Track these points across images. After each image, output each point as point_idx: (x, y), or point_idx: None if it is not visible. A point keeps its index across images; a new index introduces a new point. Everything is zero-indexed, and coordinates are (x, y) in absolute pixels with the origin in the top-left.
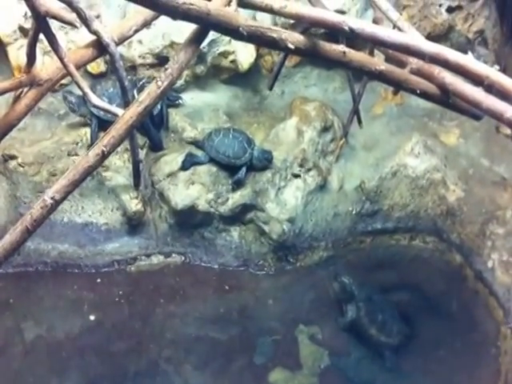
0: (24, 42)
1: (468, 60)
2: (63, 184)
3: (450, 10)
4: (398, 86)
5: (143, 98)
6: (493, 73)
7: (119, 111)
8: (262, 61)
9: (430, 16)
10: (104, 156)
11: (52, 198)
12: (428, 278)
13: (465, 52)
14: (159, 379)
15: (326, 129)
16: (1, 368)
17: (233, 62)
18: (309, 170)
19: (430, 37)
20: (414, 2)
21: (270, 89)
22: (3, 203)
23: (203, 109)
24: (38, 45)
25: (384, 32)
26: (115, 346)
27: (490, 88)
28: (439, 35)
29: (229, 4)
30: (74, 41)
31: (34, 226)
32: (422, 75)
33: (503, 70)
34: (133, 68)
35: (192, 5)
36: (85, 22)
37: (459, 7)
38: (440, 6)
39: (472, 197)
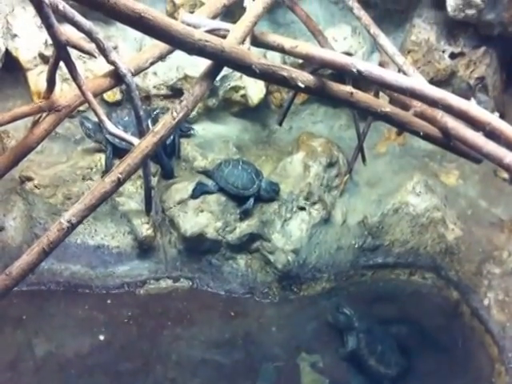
0: (43, 68)
1: (471, 106)
2: (80, 208)
3: (452, 56)
4: (402, 127)
5: (159, 129)
6: (494, 120)
7: (134, 140)
8: (271, 97)
9: (433, 61)
10: (120, 183)
11: (69, 222)
12: (426, 313)
13: (466, 97)
14: None
15: (331, 164)
16: (11, 383)
17: (243, 96)
18: (314, 203)
19: (433, 81)
20: (418, 47)
21: (280, 124)
22: (19, 223)
23: (214, 140)
24: (57, 72)
25: (391, 75)
26: (123, 365)
27: (491, 134)
28: (442, 80)
29: (243, 42)
30: (91, 69)
31: (50, 248)
32: (425, 118)
33: (502, 116)
34: (147, 98)
35: (207, 42)
36: (103, 52)
37: (461, 54)
38: (443, 52)
39: (470, 236)
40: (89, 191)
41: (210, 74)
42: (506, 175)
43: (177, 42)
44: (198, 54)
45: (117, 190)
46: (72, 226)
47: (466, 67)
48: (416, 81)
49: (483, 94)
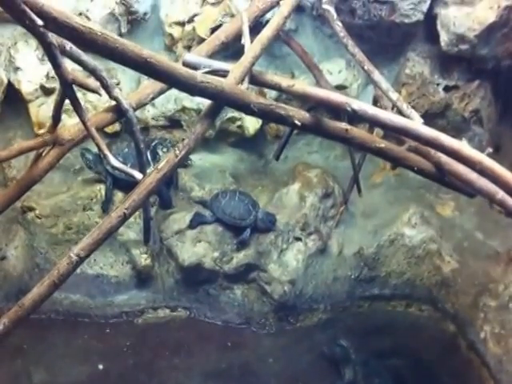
0: (44, 100)
1: (462, 146)
2: (88, 242)
3: (446, 89)
4: (397, 162)
5: (162, 166)
6: (485, 159)
7: (136, 173)
8: (267, 127)
9: (427, 94)
10: (125, 218)
11: (77, 256)
12: (423, 345)
13: (461, 130)
14: None
15: (327, 195)
16: None
17: (240, 127)
18: (310, 234)
19: (428, 114)
20: (412, 80)
21: (277, 159)
22: (20, 253)
23: (211, 170)
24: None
25: (385, 115)
26: None
27: (482, 173)
28: (436, 113)
29: (241, 82)
30: (90, 101)
31: (60, 281)
32: (419, 153)
33: (497, 148)
34: (145, 129)
35: (209, 83)
36: (106, 89)
37: (456, 87)
38: (437, 85)
39: (466, 268)
40: (96, 226)
41: (211, 113)
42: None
43: (180, 84)
44: (200, 95)
45: (122, 225)
46: (80, 260)
47: (461, 100)
48: (409, 121)
49: (478, 126)
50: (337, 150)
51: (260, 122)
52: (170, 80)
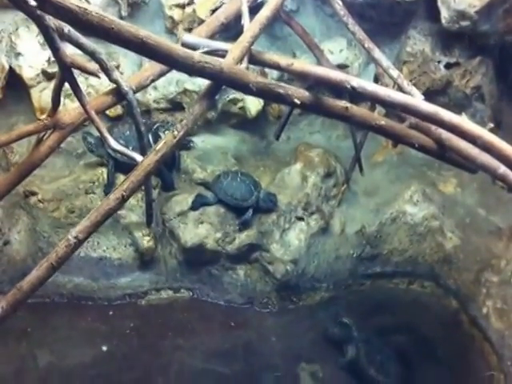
0: (46, 85)
1: (462, 121)
2: (86, 225)
3: (448, 66)
4: (397, 140)
5: (160, 147)
6: (485, 134)
7: (136, 156)
8: (269, 108)
9: (428, 72)
10: (124, 200)
11: (76, 238)
12: (425, 322)
13: (463, 107)
14: None
15: (328, 175)
16: None
17: (241, 108)
18: (312, 213)
19: (429, 91)
20: (413, 58)
21: (277, 138)
22: (23, 237)
23: (213, 152)
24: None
25: (384, 92)
26: (125, 376)
27: (483, 147)
28: (437, 90)
29: (240, 62)
30: (93, 85)
31: (58, 263)
32: (419, 130)
33: (499, 125)
34: (147, 112)
35: (207, 63)
36: (106, 71)
37: (457, 64)
38: (439, 62)
39: (468, 245)
40: (94, 208)
41: (210, 94)
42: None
43: (178, 64)
44: (198, 75)
45: (121, 207)
46: (79, 242)
47: (462, 77)
48: (409, 97)
49: (480, 102)
50: (339, 130)
51: (262, 103)
52: (167, 60)
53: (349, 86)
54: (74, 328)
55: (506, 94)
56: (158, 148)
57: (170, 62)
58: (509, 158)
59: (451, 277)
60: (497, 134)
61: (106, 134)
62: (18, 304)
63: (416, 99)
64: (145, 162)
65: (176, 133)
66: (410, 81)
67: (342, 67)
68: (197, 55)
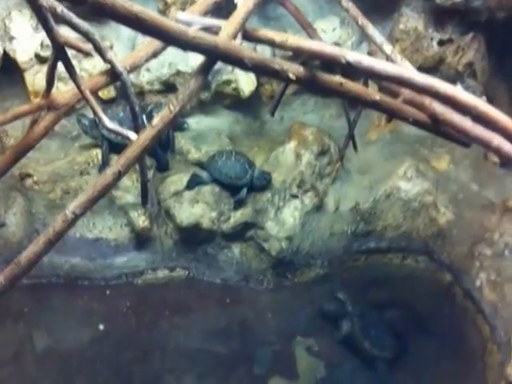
0: (40, 68)
1: (457, 91)
2: (83, 201)
3: (440, 43)
4: (392, 114)
5: (156, 123)
6: (481, 104)
7: (131, 134)
8: (262, 89)
9: (421, 49)
10: (120, 175)
11: (73, 213)
12: (419, 296)
13: (454, 83)
14: None
15: (322, 153)
16: (13, 374)
17: (235, 89)
18: (306, 191)
19: (422, 69)
20: (406, 36)
21: (272, 114)
22: (19, 219)
23: (207, 132)
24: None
25: (380, 65)
26: (122, 354)
27: (478, 118)
28: (430, 67)
29: (234, 38)
30: (86, 68)
31: (55, 239)
32: (414, 105)
33: (491, 101)
34: (141, 94)
35: (202, 39)
36: (100, 52)
37: (450, 40)
38: (431, 39)
39: (462, 219)
40: (91, 184)
41: (205, 69)
42: (496, 159)
43: (172, 40)
44: (193, 50)
45: (117, 183)
46: (76, 217)
47: (455, 53)
48: (404, 69)
49: (472, 79)
50: (332, 109)
51: (255, 83)
52: (161, 36)
53: (344, 61)
54: (71, 308)
55: (498, 71)
56: (154, 124)
57: (165, 37)
58: (504, 127)
59: (445, 251)
60: None
61: (101, 114)
62: (15, 279)
63: (411, 71)
64: (141, 137)
65: (172, 108)
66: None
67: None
68: (191, 31)
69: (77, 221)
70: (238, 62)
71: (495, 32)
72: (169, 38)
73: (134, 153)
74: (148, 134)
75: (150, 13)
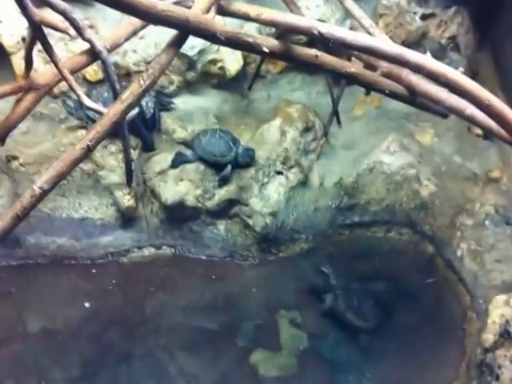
0: None
1: (426, 60)
2: (51, 175)
3: (423, 17)
4: (369, 87)
5: (126, 97)
6: (449, 71)
7: (104, 110)
8: (249, 67)
9: (404, 23)
10: (89, 149)
11: (40, 188)
12: (402, 268)
13: (438, 58)
14: (149, 360)
15: (307, 129)
16: (3, 351)
17: (221, 68)
18: (291, 167)
19: (405, 43)
20: (389, 11)
21: (249, 89)
22: (6, 201)
23: (194, 112)
24: (40, 55)
25: (351, 36)
26: (109, 331)
27: (448, 86)
28: (413, 42)
29: (207, 12)
30: (73, 51)
31: (23, 213)
32: (391, 77)
33: (475, 75)
34: (128, 75)
35: (171, 12)
36: (78, 30)
37: (432, 15)
38: (414, 13)
39: (444, 191)
40: (60, 159)
41: (176, 43)
42: (479, 131)
43: (141, 13)
44: (164, 24)
45: (86, 157)
46: (44, 192)
47: (437, 27)
48: (374, 39)
49: (455, 52)
50: (318, 87)
51: (241, 62)
52: (129, 9)
53: (316, 32)
54: (58, 287)
55: (482, 45)
56: (123, 97)
57: (133, 10)
58: (472, 93)
59: (427, 223)
60: None
61: (80, 92)
62: None
63: (382, 41)
64: (110, 111)
65: (142, 82)
66: (386, 34)
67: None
68: (161, 4)
69: (45, 196)
70: (210, 35)
71: (479, 5)
72: (137, 12)
73: (104, 127)
74: (117, 108)
75: None
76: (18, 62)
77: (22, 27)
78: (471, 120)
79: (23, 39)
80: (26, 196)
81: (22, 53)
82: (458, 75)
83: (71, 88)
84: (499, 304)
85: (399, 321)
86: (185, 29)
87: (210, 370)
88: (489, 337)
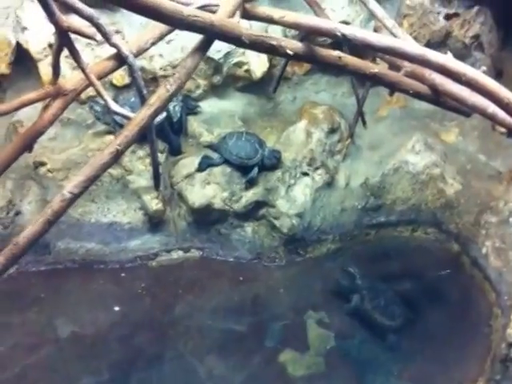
0: None
1: (447, 60)
2: (80, 180)
3: (447, 17)
4: (392, 87)
5: (153, 101)
6: (470, 71)
7: (132, 115)
8: (274, 70)
9: (428, 23)
10: (118, 154)
11: (70, 193)
12: (429, 266)
13: (463, 57)
14: (179, 363)
15: (333, 130)
16: (35, 357)
17: (247, 71)
18: (317, 168)
19: (430, 43)
20: (413, 11)
21: (274, 91)
22: (34, 207)
23: (220, 115)
24: (67, 60)
25: (373, 37)
26: (138, 334)
27: (469, 84)
28: (438, 42)
29: (232, 16)
30: (100, 56)
31: (54, 218)
32: (414, 77)
33: (499, 74)
34: (154, 79)
35: (196, 17)
36: (105, 36)
37: (456, 14)
38: (438, 13)
39: (469, 190)
40: (89, 163)
41: (202, 48)
42: (503, 129)
43: (167, 18)
44: (190, 29)
45: (115, 162)
46: (74, 197)
47: (461, 27)
48: (396, 40)
49: (479, 51)
50: (344, 88)
51: (267, 65)
52: (156, 15)
53: (339, 34)
54: (87, 291)
55: (506, 44)
56: (151, 102)
57: (160, 16)
58: (492, 92)
59: (453, 221)
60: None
61: (106, 97)
62: (15, 258)
63: (403, 42)
64: (138, 116)
65: (169, 87)
66: (411, 34)
67: (344, 24)
68: (186, 9)
69: (75, 200)
70: (235, 39)
71: (501, 5)
72: (164, 17)
73: (132, 131)
74: (145, 112)
75: None
76: (45, 69)
77: (47, 34)
78: (493, 118)
79: (49, 46)
80: (56, 201)
81: (49, 59)
82: (478, 74)
83: (98, 93)
84: None
85: (426, 319)
86: (210, 33)
87: (239, 370)
88: None
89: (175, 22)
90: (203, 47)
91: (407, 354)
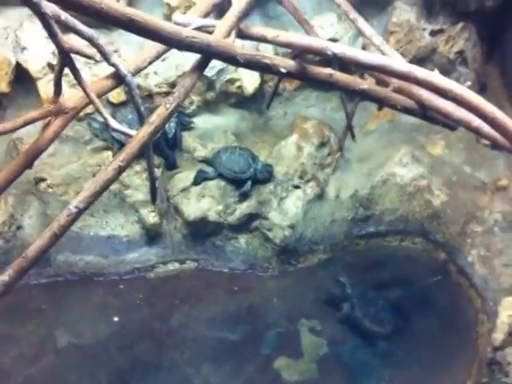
0: (52, 76)
1: (434, 76)
2: (85, 195)
3: (432, 33)
4: (381, 102)
5: (153, 119)
6: (455, 87)
7: (133, 132)
8: (266, 86)
9: (414, 40)
10: (120, 170)
11: (76, 207)
12: (417, 275)
13: (447, 72)
14: (176, 372)
15: (323, 144)
16: (36, 368)
17: (239, 87)
18: (308, 181)
19: (415, 59)
20: (399, 28)
21: (267, 108)
22: (35, 221)
23: (213, 130)
24: (65, 79)
25: (362, 55)
26: (137, 344)
27: (455, 100)
28: (424, 57)
29: (228, 36)
30: (97, 74)
31: (61, 232)
32: (402, 93)
33: (483, 88)
34: (150, 96)
35: (194, 38)
36: (104, 55)
37: (441, 31)
38: (423, 30)
39: (455, 200)
40: (93, 179)
41: (199, 67)
42: (487, 141)
43: (166, 40)
44: (188, 50)
45: (118, 178)
46: (79, 211)
47: (446, 43)
48: (385, 58)
49: (463, 66)
50: (333, 103)
51: (259, 81)
52: (155, 36)
53: (330, 53)
54: (87, 303)
55: (490, 59)
56: (151, 120)
57: (159, 38)
58: (478, 107)
59: (439, 231)
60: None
61: (106, 115)
62: (23, 271)
63: (391, 59)
64: (139, 134)
65: (168, 105)
66: (397, 50)
67: (333, 41)
68: (185, 31)
69: (80, 215)
70: (230, 58)
71: (485, 21)
72: (163, 38)
73: (133, 148)
74: (145, 130)
75: (144, 15)
76: (44, 87)
77: (46, 53)
78: (478, 132)
79: (48, 65)
80: (63, 215)
81: (48, 78)
82: (463, 90)
83: (98, 111)
84: (508, 305)
85: (414, 326)
86: (207, 53)
87: (235, 377)
88: (498, 336)
89: (174, 43)
90: (200, 66)
91: (397, 360)
